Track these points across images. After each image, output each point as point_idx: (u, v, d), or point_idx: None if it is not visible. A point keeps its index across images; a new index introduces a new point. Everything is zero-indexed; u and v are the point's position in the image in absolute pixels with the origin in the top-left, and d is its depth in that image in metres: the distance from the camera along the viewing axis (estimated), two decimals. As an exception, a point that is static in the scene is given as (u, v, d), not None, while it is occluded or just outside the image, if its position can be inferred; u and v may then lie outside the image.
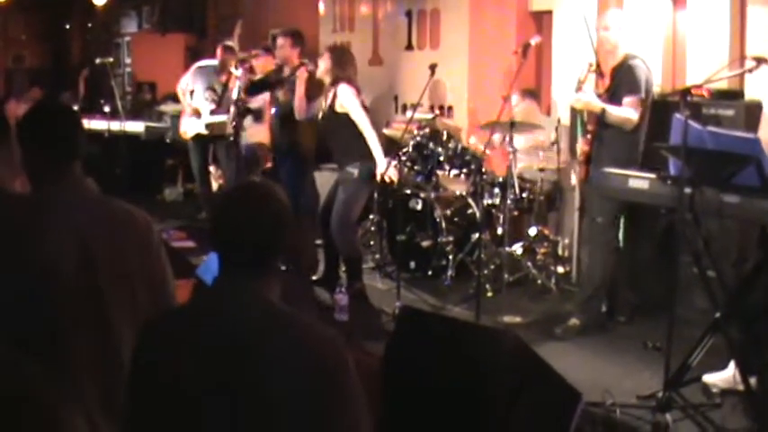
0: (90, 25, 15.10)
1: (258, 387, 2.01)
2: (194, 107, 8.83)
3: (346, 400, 2.07)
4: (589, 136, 5.78)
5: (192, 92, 8.90)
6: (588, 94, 5.66)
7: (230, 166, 8.69)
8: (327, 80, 6.58)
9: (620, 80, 5.65)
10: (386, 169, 6.33)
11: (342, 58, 6.59)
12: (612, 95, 5.65)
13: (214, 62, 8.95)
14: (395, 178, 6.43)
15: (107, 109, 10.41)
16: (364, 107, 6.53)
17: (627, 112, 5.57)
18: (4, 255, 2.57)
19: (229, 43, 9.10)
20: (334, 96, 6.48)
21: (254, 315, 2.09)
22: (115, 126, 10.09)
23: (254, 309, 2.10)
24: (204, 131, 8.82)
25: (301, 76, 6.85)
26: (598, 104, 5.60)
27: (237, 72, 7.77)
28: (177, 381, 2.08)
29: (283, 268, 6.54)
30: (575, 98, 5.75)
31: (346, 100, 6.43)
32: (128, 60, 13.90)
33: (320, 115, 6.75)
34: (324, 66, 6.53)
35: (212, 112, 8.69)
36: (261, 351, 2.03)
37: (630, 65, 5.63)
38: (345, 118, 6.43)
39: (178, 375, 2.08)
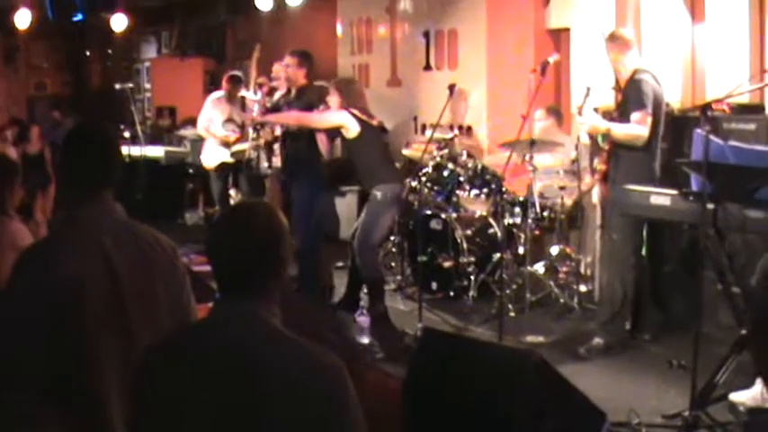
0: (110, 51, 15.26)
1: (253, 412, 1.99)
2: (220, 136, 8.94)
3: (345, 428, 2.04)
4: (605, 155, 5.76)
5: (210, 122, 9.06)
6: (589, 117, 5.65)
7: (250, 189, 8.76)
8: None
9: (628, 96, 5.62)
10: None
11: (347, 88, 6.67)
12: (623, 112, 5.63)
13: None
14: None
15: (127, 134, 10.48)
16: (382, 128, 6.57)
17: (633, 128, 5.51)
18: (33, 274, 2.59)
19: (235, 73, 9.18)
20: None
21: (248, 338, 2.07)
22: (135, 151, 10.15)
23: (249, 332, 2.08)
24: (230, 160, 8.93)
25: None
26: (602, 125, 5.60)
27: (255, 96, 7.80)
28: (173, 403, 2.07)
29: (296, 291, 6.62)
30: (579, 124, 5.75)
31: (333, 117, 6.54)
32: (147, 85, 14.01)
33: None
34: (335, 100, 6.57)
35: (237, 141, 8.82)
36: (255, 375, 2.02)
37: (637, 80, 5.58)
38: (359, 144, 6.47)
39: (174, 398, 2.08)
